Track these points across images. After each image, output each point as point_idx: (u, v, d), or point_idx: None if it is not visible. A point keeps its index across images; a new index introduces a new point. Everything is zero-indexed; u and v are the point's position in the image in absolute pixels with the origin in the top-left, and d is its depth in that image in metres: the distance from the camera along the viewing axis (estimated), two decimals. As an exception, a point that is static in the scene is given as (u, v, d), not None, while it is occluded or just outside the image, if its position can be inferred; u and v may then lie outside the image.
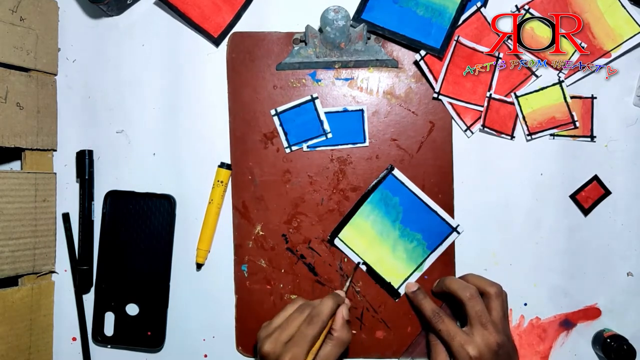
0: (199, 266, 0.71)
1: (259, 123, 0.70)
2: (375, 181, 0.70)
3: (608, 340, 0.68)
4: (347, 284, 0.68)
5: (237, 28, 0.71)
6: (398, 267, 0.70)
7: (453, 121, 0.70)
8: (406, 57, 0.70)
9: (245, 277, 0.70)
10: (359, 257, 0.70)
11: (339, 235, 0.70)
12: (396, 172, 0.69)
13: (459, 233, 0.70)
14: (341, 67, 0.70)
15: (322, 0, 0.66)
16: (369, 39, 0.69)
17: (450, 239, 0.70)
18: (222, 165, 0.69)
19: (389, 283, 0.70)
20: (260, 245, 0.70)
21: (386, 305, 0.70)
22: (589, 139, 0.70)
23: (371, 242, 0.70)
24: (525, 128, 0.69)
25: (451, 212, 0.70)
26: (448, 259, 0.70)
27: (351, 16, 0.68)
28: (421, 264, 0.70)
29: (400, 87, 0.70)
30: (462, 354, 0.60)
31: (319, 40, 0.68)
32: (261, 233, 0.70)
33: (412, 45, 0.68)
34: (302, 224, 0.70)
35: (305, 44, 0.69)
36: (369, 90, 0.70)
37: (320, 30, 0.67)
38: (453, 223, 0.70)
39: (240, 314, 0.71)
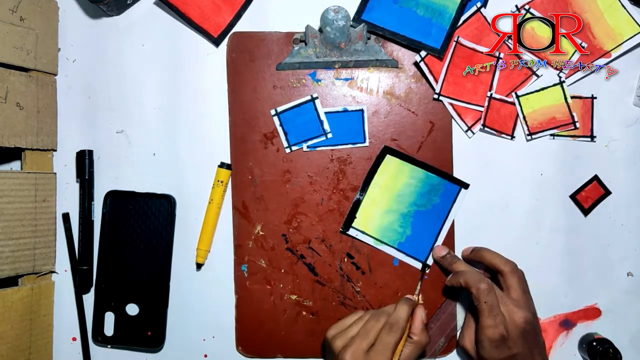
0: (199, 266, 0.71)
1: (259, 123, 0.70)
2: (448, 178, 0.70)
3: (594, 343, 0.68)
4: (418, 287, 0.68)
5: (237, 28, 0.71)
6: (371, 224, 0.70)
7: (453, 121, 0.70)
8: (406, 57, 0.70)
9: (245, 277, 0.70)
10: (373, 187, 0.70)
11: (384, 158, 0.70)
12: (464, 193, 0.70)
13: (423, 272, 0.70)
14: (341, 67, 0.70)
15: (322, 0, 0.66)
16: (369, 39, 0.69)
17: (413, 263, 0.70)
18: (222, 165, 0.69)
19: (354, 218, 0.70)
20: (260, 245, 0.70)
21: (386, 304, 0.70)
22: (589, 139, 0.70)
23: (387, 189, 0.70)
24: (525, 128, 0.69)
25: (451, 212, 0.70)
26: (448, 259, 0.70)
27: (351, 17, 0.68)
28: (381, 243, 0.70)
29: (400, 87, 0.70)
30: (493, 331, 0.60)
31: (319, 40, 0.68)
32: (261, 233, 0.70)
33: (412, 45, 0.68)
34: (302, 224, 0.70)
35: (305, 44, 0.69)
36: (369, 90, 0.70)
37: (320, 30, 0.67)
38: (429, 262, 0.70)
39: (240, 314, 0.71)
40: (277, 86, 0.70)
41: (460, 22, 0.69)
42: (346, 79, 0.70)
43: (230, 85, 0.70)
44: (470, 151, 0.70)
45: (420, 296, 0.68)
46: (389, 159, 0.69)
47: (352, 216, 0.70)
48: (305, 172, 0.70)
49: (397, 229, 0.70)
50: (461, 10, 0.68)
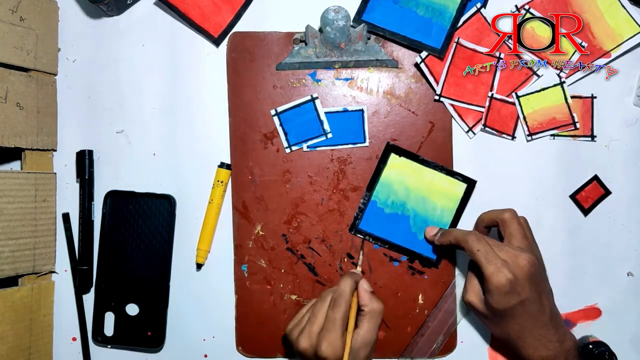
0: (199, 266, 0.71)
1: (259, 123, 0.70)
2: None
3: (590, 346, 0.68)
4: (360, 257, 0.67)
5: (237, 28, 0.71)
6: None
7: (454, 122, 0.70)
8: (406, 57, 0.70)
9: (245, 277, 0.70)
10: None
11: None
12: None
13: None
14: (341, 67, 0.70)
15: (322, 1, 0.66)
16: (369, 39, 0.69)
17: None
18: (222, 165, 0.69)
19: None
20: (260, 245, 0.70)
21: (386, 304, 0.69)
22: (589, 139, 0.70)
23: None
24: (525, 128, 0.69)
25: (451, 212, 0.70)
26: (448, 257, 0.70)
27: (352, 17, 0.68)
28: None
29: (400, 87, 0.70)
30: (498, 277, 0.58)
31: (319, 40, 0.68)
32: (261, 233, 0.70)
33: (412, 45, 0.68)
34: (302, 224, 0.70)
35: (306, 44, 0.69)
36: (369, 90, 0.70)
37: (321, 30, 0.67)
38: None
39: (240, 314, 0.71)
40: (277, 86, 0.70)
41: (461, 22, 0.69)
42: (346, 79, 0.70)
43: (230, 85, 0.70)
44: (471, 151, 0.70)
45: (360, 267, 0.68)
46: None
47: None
48: (305, 172, 0.70)
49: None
50: (461, 10, 0.68)
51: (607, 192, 0.70)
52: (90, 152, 0.71)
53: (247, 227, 0.70)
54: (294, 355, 0.68)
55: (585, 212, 0.70)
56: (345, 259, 0.70)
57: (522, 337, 0.61)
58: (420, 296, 0.70)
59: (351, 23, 0.67)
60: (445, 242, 0.65)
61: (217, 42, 0.70)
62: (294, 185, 0.70)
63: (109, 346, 0.71)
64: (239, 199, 0.70)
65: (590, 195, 0.70)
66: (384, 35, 0.69)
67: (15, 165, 0.72)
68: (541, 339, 0.60)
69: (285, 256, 0.70)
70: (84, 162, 0.70)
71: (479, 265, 0.59)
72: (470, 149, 0.70)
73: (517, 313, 0.59)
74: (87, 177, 0.70)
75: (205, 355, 0.72)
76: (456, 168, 0.70)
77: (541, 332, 0.60)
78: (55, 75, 0.71)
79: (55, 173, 0.71)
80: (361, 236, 0.70)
